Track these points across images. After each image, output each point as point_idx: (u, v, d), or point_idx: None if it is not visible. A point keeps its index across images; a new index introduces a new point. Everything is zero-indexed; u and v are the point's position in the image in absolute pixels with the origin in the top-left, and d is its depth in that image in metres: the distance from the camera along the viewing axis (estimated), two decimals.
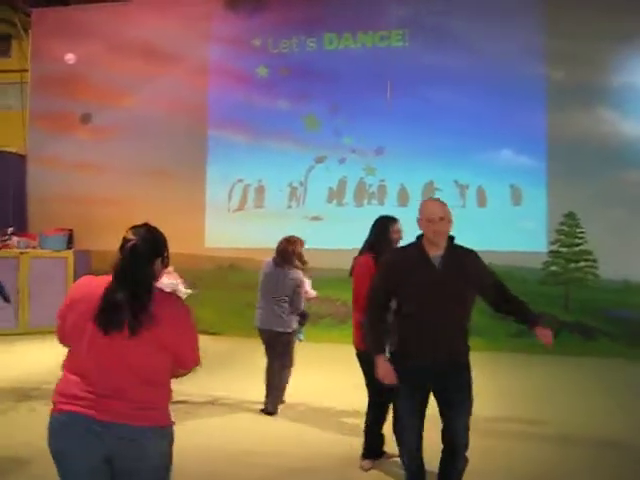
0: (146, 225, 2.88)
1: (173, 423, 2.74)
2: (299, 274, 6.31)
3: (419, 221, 3.76)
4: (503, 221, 10.12)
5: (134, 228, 2.80)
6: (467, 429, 3.73)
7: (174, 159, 11.29)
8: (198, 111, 11.33)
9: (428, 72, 10.33)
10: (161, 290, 2.79)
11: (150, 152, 11.37)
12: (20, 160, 11.99)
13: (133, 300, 2.64)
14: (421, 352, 3.67)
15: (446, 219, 3.70)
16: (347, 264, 10.63)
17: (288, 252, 6.36)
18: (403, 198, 10.55)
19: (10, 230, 10.50)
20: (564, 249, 10.05)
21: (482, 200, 10.27)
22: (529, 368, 8.65)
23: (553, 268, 10.08)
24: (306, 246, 10.87)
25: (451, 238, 3.80)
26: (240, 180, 11.22)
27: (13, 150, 12.04)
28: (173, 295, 2.90)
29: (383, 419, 4.82)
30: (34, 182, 12.01)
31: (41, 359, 8.61)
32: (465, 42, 10.24)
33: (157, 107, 11.41)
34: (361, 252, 5.14)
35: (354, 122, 10.65)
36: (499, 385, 7.45)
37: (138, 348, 2.64)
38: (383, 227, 5.14)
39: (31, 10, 12.08)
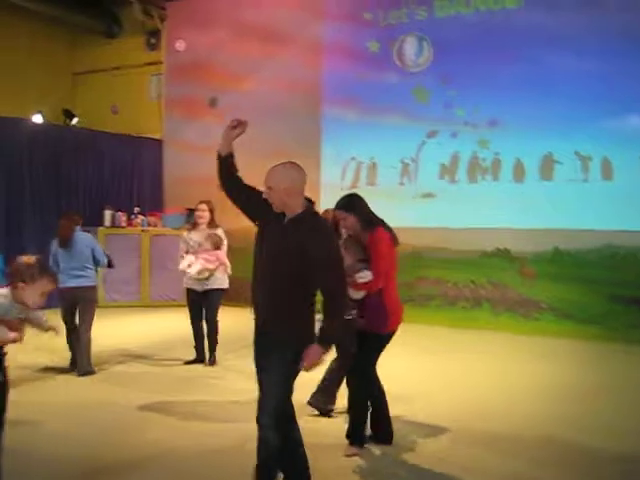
0: None
1: None
2: None
3: None
4: (631, 197, 9.00)
5: None
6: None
7: (291, 139, 11.42)
8: (313, 90, 11.35)
9: (545, 34, 9.43)
10: None
11: (269, 133, 11.57)
12: (158, 145, 12.84)
13: None
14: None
15: (274, 189, 3.54)
16: (458, 243, 10.28)
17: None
18: (519, 173, 9.79)
19: (137, 210, 11.30)
20: None
21: (607, 173, 9.20)
22: None
23: None
24: (417, 224, 10.60)
25: (309, 202, 3.65)
26: (353, 158, 11.09)
27: (154, 136, 12.94)
28: None
29: None
30: (169, 165, 12.81)
31: (152, 328, 9.26)
32: None
33: (275, 88, 11.61)
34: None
35: (466, 93, 10.04)
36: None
37: None
38: None
39: (166, 4, 12.82)
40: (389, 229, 4.74)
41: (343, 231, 4.83)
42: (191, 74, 12.52)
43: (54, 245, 6.76)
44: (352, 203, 4.65)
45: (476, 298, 10.04)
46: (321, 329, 3.50)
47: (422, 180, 10.53)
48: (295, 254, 3.47)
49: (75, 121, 13.45)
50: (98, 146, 11.92)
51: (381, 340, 4.60)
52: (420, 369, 7.25)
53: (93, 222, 10.66)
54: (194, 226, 7.30)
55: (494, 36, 9.83)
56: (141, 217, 11.15)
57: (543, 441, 4.92)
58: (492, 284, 9.93)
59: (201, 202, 7.34)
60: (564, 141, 9.40)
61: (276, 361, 3.48)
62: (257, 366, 3.63)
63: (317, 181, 11.26)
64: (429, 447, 4.79)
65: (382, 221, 4.75)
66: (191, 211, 8.71)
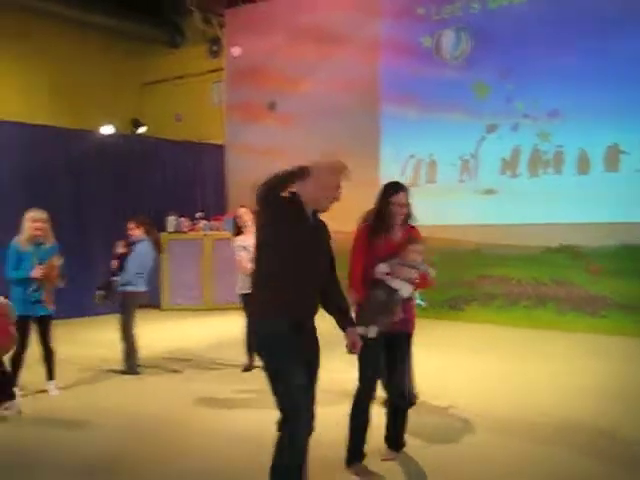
0: None
1: None
2: None
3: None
4: None
5: None
6: None
7: (350, 138, 11.37)
8: (371, 88, 11.28)
9: (605, 17, 9.04)
10: None
11: (327, 133, 11.59)
12: (220, 150, 13.06)
13: None
14: None
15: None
16: (521, 239, 9.98)
17: None
18: (583, 165, 9.42)
19: (199, 215, 11.51)
20: None
21: None
22: None
23: None
24: (478, 221, 10.36)
25: None
26: (412, 155, 10.95)
27: (216, 142, 13.18)
28: None
29: None
30: (231, 169, 13.01)
31: (211, 331, 9.41)
32: None
33: (332, 89, 11.60)
34: None
35: (525, 85, 9.75)
36: None
37: None
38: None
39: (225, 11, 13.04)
40: None
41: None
42: (250, 79, 12.67)
43: (146, 247, 7.21)
44: None
45: (539, 296, 9.71)
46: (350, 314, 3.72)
47: (482, 176, 10.29)
48: (327, 252, 3.66)
49: (142, 130, 13.88)
50: (162, 154, 12.23)
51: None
52: (475, 369, 7.09)
53: (157, 228, 10.93)
54: (239, 232, 7.27)
55: (550, 25, 9.50)
56: (203, 222, 11.36)
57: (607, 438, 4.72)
58: (556, 281, 9.58)
59: (242, 206, 7.35)
60: (630, 131, 8.98)
61: None
62: (300, 363, 3.48)
63: (376, 180, 11.15)
64: (476, 443, 4.66)
65: None
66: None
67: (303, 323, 3.56)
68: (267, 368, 3.42)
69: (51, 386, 6.15)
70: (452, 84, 10.41)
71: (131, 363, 6.97)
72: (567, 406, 5.65)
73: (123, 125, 13.68)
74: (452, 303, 10.42)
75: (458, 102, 10.37)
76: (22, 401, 5.58)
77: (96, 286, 7.27)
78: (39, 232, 5.97)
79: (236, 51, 12.06)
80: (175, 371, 7.14)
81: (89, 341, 8.72)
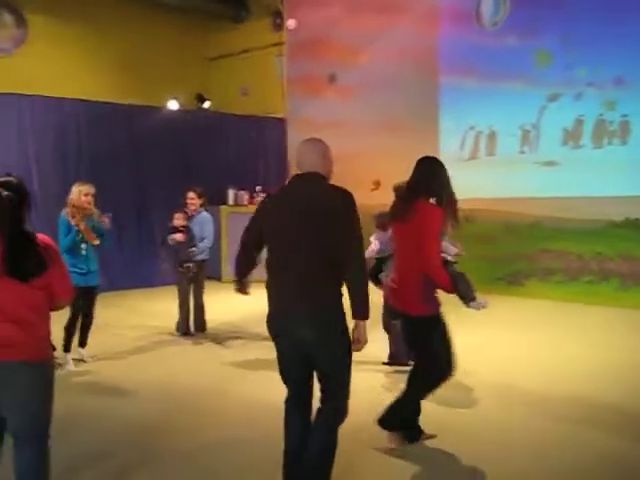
0: (9, 174, 3.17)
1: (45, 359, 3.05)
2: None
3: None
4: None
5: (0, 180, 3.07)
6: None
7: (408, 111, 11.25)
8: (429, 59, 11.05)
9: None
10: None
11: (386, 106, 11.50)
12: (281, 124, 13.15)
13: (25, 249, 2.97)
14: None
15: None
16: (583, 213, 9.65)
17: None
18: None
19: (258, 188, 11.66)
20: None
21: None
22: None
23: None
24: (538, 194, 10.08)
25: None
26: (472, 127, 10.71)
27: (278, 115, 13.27)
28: (44, 237, 3.11)
29: None
30: (292, 143, 13.06)
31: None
32: None
33: (391, 60, 11.44)
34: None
35: (589, 51, 9.32)
36: None
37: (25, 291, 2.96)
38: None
39: None
40: None
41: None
42: (310, 52, 12.66)
43: (208, 217, 7.53)
44: None
45: (603, 271, 9.38)
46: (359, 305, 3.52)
47: (543, 147, 9.97)
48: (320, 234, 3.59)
49: (207, 105, 14.11)
50: (225, 128, 12.42)
51: None
52: (519, 344, 6.98)
53: (218, 201, 11.20)
54: None
55: None
56: (263, 195, 11.49)
57: None
58: (620, 256, 9.22)
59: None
60: None
61: None
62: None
63: (436, 152, 10.91)
64: (519, 418, 4.62)
65: None
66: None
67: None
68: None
69: (82, 353, 6.41)
70: (512, 52, 10.08)
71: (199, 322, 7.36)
72: (605, 387, 5.50)
73: (188, 100, 13.94)
74: (511, 278, 10.21)
75: (518, 71, 10.04)
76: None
77: (180, 259, 7.30)
78: (88, 206, 6.19)
79: (292, 24, 12.04)
80: (220, 343, 7.30)
81: (149, 311, 9.04)
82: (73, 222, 6.07)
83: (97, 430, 4.64)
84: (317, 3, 12.43)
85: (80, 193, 6.16)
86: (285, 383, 3.55)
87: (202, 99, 14.18)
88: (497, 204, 10.36)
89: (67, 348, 6.22)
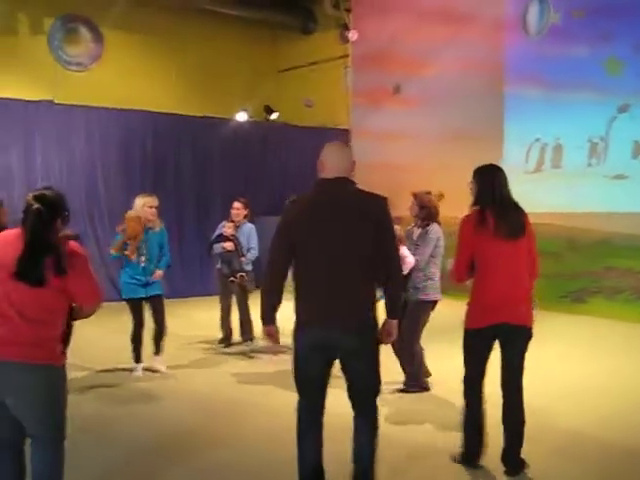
0: (47, 189, 3.28)
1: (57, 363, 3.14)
2: None
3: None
4: None
5: (35, 193, 3.21)
6: None
7: (473, 122, 11.02)
8: (495, 69, 10.81)
9: None
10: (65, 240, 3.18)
11: (450, 117, 11.31)
12: (345, 134, 13.14)
13: (39, 257, 3.09)
14: None
15: None
16: None
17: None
18: None
19: None
20: None
21: None
22: None
23: None
24: (606, 209, 9.69)
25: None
26: (537, 139, 10.40)
27: (342, 127, 13.28)
28: (75, 245, 3.23)
29: None
30: (356, 153, 12.96)
31: None
32: None
33: (455, 71, 11.26)
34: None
35: None
36: None
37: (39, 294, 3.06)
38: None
39: None
40: None
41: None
42: (375, 63, 12.62)
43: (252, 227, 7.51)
44: None
45: None
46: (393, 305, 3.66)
47: (612, 160, 9.56)
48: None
49: (274, 116, 14.27)
50: (289, 139, 12.55)
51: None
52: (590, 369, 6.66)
53: (276, 211, 11.26)
54: None
55: None
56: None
57: None
58: None
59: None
60: None
61: None
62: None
63: (499, 164, 10.68)
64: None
65: None
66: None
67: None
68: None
69: (157, 361, 6.37)
70: (581, 61, 9.73)
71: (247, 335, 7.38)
72: None
73: (257, 112, 14.15)
74: (575, 295, 9.81)
75: (587, 80, 9.68)
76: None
77: (233, 269, 7.22)
78: (152, 218, 6.19)
79: (353, 35, 12.05)
80: (263, 353, 7.21)
81: (200, 320, 8.99)
82: (120, 232, 6.17)
83: (127, 435, 4.74)
84: (383, 15, 12.38)
85: (144, 205, 6.14)
86: (304, 394, 3.54)
87: (270, 110, 14.35)
88: (562, 219, 9.98)
89: (136, 359, 6.23)
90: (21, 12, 11.98)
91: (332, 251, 3.38)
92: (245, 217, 7.53)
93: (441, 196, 5.97)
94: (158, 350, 6.39)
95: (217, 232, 7.44)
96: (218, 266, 7.46)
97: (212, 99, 13.65)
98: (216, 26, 14.00)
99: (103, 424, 4.95)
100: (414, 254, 5.57)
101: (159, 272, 6.26)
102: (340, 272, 3.38)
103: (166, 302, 6.56)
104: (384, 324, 3.54)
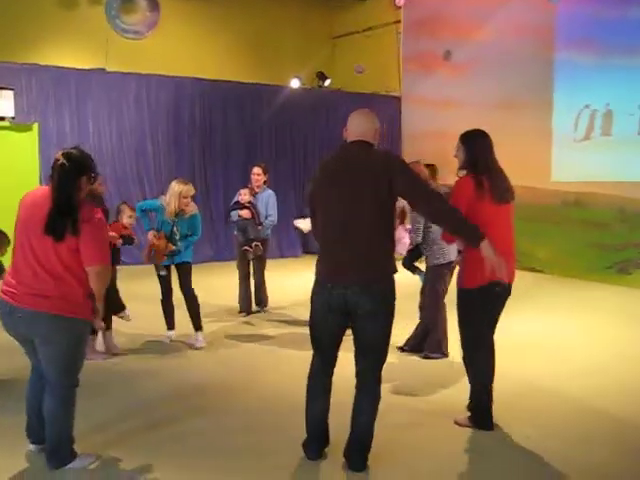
0: (75, 148, 3.50)
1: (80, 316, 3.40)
2: None
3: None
4: None
5: (63, 151, 3.43)
6: None
7: (522, 88, 10.79)
8: (545, 33, 10.51)
9: None
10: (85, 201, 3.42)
11: (500, 83, 11.11)
12: (396, 102, 13.08)
13: (61, 213, 3.33)
14: None
15: None
16: None
17: None
18: None
19: None
20: None
21: None
22: None
23: None
24: None
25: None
26: (587, 106, 10.10)
27: (394, 93, 13.21)
28: (93, 208, 3.46)
29: None
30: (406, 121, 12.98)
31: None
32: None
33: (506, 36, 11.01)
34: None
35: None
36: None
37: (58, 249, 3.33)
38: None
39: None
40: None
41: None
42: (426, 29, 12.47)
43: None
44: None
45: None
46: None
47: None
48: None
49: (327, 83, 14.29)
50: (340, 106, 12.53)
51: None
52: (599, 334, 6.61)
53: None
54: None
55: None
56: None
57: None
58: None
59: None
60: None
61: None
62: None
63: (548, 131, 10.51)
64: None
65: None
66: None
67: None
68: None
69: (197, 336, 6.10)
70: (636, 25, 9.35)
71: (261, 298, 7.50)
72: None
73: (310, 79, 14.20)
74: (619, 266, 9.58)
75: None
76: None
77: (247, 237, 7.05)
78: (185, 207, 5.96)
79: (400, 1, 11.90)
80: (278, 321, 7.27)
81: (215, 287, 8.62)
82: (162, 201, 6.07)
83: (152, 387, 5.00)
84: None
85: (180, 196, 5.91)
86: (318, 350, 3.69)
87: (323, 77, 14.37)
88: (611, 188, 9.73)
89: (168, 325, 6.13)
90: None
91: (344, 209, 3.50)
92: (265, 183, 7.36)
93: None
94: (196, 326, 6.09)
95: (235, 199, 7.29)
96: (235, 233, 7.33)
97: (265, 67, 13.79)
98: None
99: (126, 378, 5.24)
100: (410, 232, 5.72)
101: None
102: (353, 229, 3.48)
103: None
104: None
